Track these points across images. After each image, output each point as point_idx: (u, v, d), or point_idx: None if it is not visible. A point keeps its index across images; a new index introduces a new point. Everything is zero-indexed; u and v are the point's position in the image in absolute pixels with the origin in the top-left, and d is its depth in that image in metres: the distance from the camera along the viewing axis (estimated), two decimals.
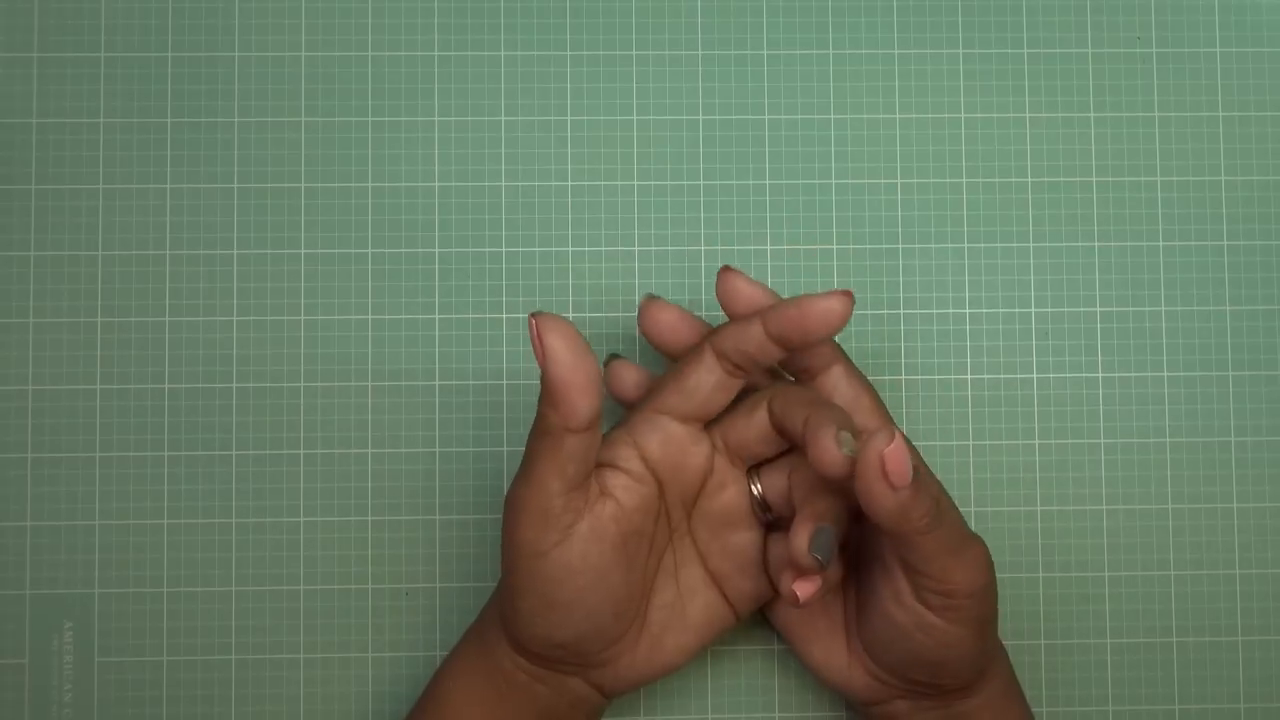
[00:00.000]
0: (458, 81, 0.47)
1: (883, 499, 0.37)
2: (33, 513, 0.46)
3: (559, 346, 0.37)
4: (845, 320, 0.39)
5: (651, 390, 0.42)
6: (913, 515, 0.37)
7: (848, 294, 0.39)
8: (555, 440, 0.38)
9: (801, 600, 0.39)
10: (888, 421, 0.42)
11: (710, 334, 0.41)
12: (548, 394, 0.38)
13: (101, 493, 0.46)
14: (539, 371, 0.38)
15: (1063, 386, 0.47)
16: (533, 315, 0.38)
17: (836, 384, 0.42)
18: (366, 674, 0.46)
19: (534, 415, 0.39)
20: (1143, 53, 0.48)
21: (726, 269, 0.42)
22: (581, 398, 0.38)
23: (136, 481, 0.46)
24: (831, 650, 0.43)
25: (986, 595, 0.39)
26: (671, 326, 0.43)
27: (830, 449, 0.37)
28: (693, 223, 0.47)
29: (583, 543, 0.39)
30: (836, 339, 0.46)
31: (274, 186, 0.47)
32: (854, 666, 0.42)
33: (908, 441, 0.40)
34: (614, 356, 0.45)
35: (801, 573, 0.39)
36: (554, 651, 0.41)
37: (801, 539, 0.39)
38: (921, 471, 0.38)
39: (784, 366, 0.43)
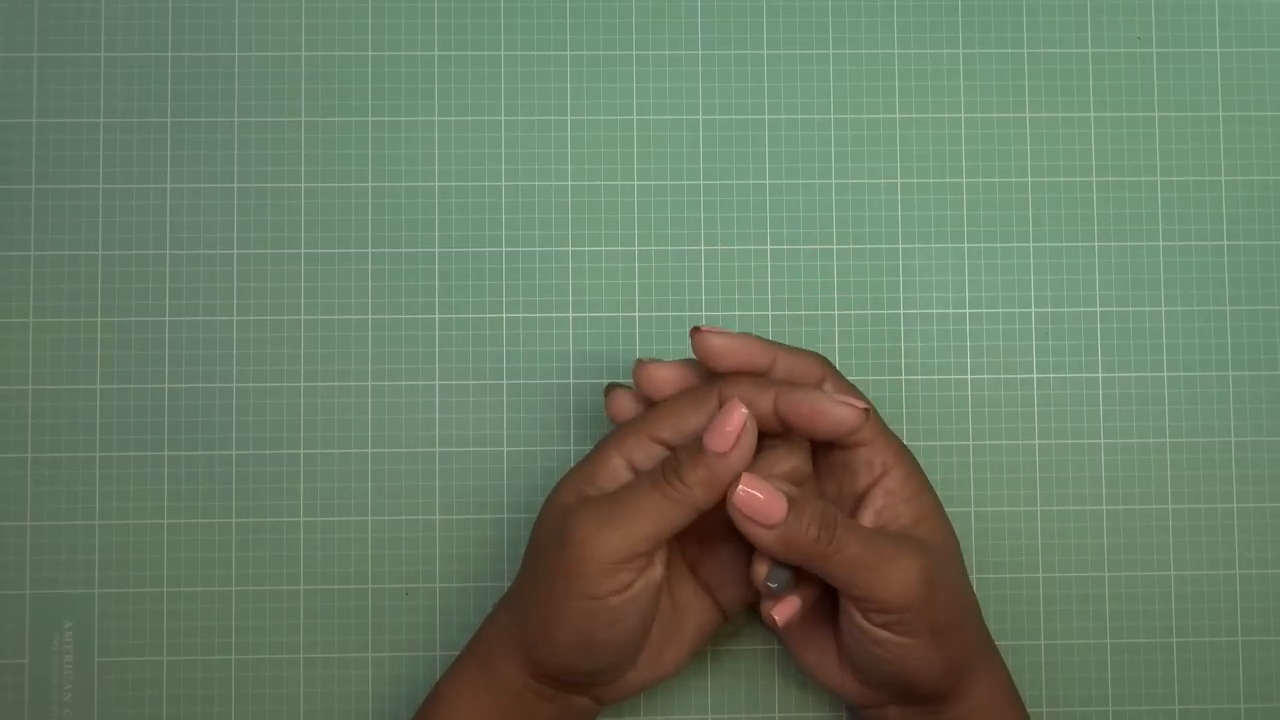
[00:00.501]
0: (458, 81, 0.47)
1: (760, 537, 0.39)
2: (33, 513, 0.46)
3: (749, 444, 0.39)
4: (855, 433, 0.40)
5: (651, 416, 0.41)
6: (799, 543, 0.39)
7: (864, 411, 0.40)
8: (681, 511, 0.39)
9: (780, 624, 0.41)
10: (879, 432, 0.42)
11: (723, 382, 0.41)
12: (713, 477, 0.39)
13: (101, 493, 0.46)
14: (709, 451, 0.39)
15: (1063, 386, 0.47)
16: (743, 406, 0.39)
17: None
18: (366, 674, 0.46)
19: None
20: (1143, 53, 0.48)
21: (696, 330, 0.41)
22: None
23: (136, 481, 0.46)
24: (824, 657, 0.43)
25: (930, 604, 0.40)
26: (666, 381, 0.43)
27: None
28: (693, 223, 0.47)
29: (639, 591, 0.40)
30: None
31: (274, 186, 0.47)
32: (845, 673, 0.43)
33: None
34: (614, 385, 0.44)
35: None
36: (576, 677, 0.41)
37: (760, 569, 0.41)
38: (801, 500, 0.39)
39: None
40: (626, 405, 0.43)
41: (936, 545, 0.41)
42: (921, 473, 0.42)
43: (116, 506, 0.46)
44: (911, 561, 0.39)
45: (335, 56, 0.47)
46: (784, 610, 0.41)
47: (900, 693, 0.42)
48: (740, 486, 0.39)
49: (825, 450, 0.42)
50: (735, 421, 0.39)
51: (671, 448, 0.41)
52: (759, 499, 0.39)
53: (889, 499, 0.42)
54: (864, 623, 0.40)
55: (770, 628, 0.44)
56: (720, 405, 0.40)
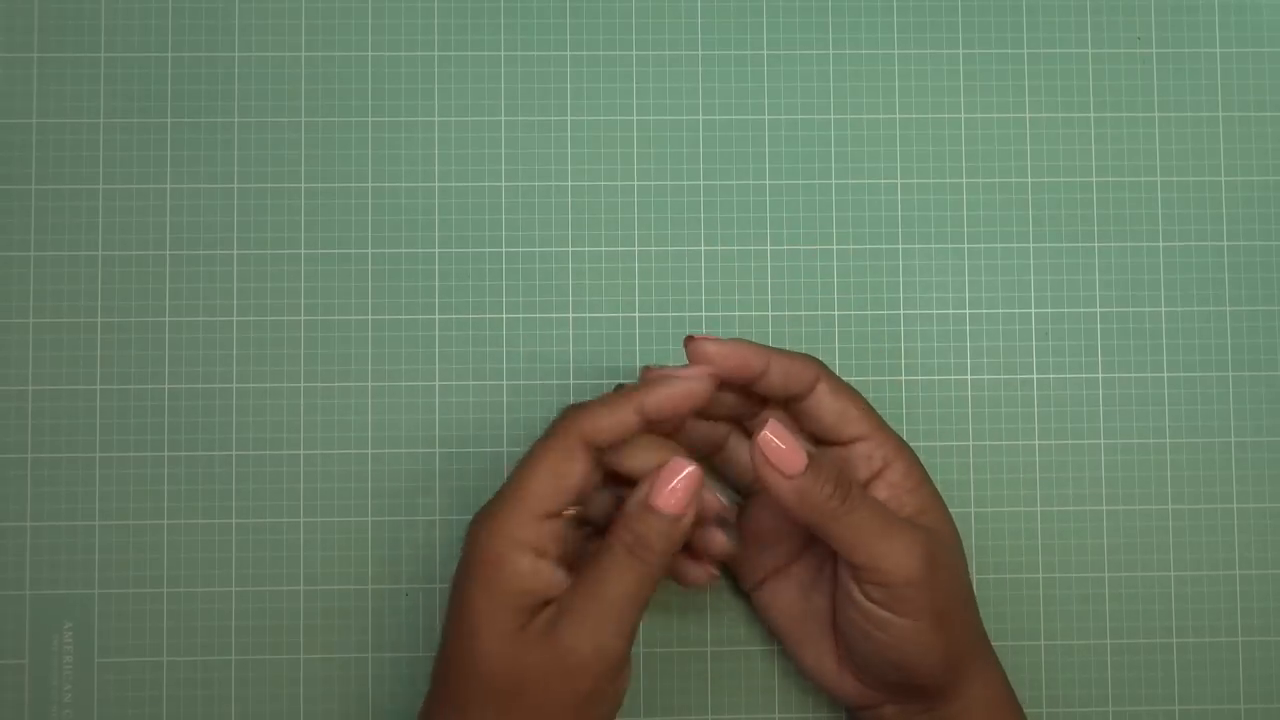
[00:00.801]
0: (458, 81, 0.47)
1: (777, 485, 0.39)
2: (33, 513, 0.46)
3: (700, 494, 0.39)
4: (709, 394, 0.40)
5: (524, 493, 0.39)
6: (812, 498, 0.39)
7: (708, 374, 0.40)
8: (656, 579, 0.39)
9: (725, 556, 0.42)
10: (878, 428, 0.42)
11: (574, 419, 0.40)
12: (677, 538, 0.39)
13: (101, 493, 0.46)
14: (665, 513, 0.39)
15: (1063, 386, 0.47)
16: (687, 462, 0.39)
17: (821, 402, 0.42)
18: (366, 674, 0.46)
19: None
20: (1143, 53, 0.48)
21: (690, 339, 0.41)
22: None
23: (136, 481, 0.46)
24: (822, 655, 0.43)
25: (932, 585, 0.40)
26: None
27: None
28: (693, 223, 0.47)
29: (627, 674, 0.40)
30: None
31: (274, 186, 0.47)
32: (843, 672, 0.43)
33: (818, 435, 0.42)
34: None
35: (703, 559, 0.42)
36: None
37: (718, 535, 0.42)
38: (820, 458, 0.40)
39: (766, 394, 0.42)
40: None
41: (940, 534, 0.42)
42: (921, 466, 0.43)
43: (116, 506, 0.46)
44: (916, 539, 0.40)
45: (335, 56, 0.47)
46: (711, 566, 0.42)
47: (898, 686, 0.42)
48: (766, 431, 0.39)
49: (824, 446, 0.43)
50: (688, 481, 0.39)
51: (564, 516, 0.40)
52: (782, 448, 0.39)
53: (893, 491, 0.42)
54: (863, 600, 0.40)
55: (771, 620, 0.44)
56: (581, 444, 0.39)
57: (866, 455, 0.42)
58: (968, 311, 0.47)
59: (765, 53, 0.48)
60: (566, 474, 0.39)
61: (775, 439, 0.39)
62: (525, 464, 0.40)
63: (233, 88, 0.47)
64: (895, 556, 0.40)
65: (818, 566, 0.44)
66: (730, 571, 0.46)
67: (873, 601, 0.40)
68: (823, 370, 0.42)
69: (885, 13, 0.48)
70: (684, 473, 0.39)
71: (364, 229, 0.47)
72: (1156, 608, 0.47)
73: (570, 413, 0.40)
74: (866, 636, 0.41)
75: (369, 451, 0.46)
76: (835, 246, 0.47)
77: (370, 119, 0.47)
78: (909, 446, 0.43)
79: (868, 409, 0.42)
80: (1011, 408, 0.47)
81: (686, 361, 0.42)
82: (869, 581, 0.40)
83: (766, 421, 0.39)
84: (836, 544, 0.40)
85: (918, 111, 0.48)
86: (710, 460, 0.46)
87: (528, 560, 0.39)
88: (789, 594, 0.44)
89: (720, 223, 0.47)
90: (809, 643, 0.44)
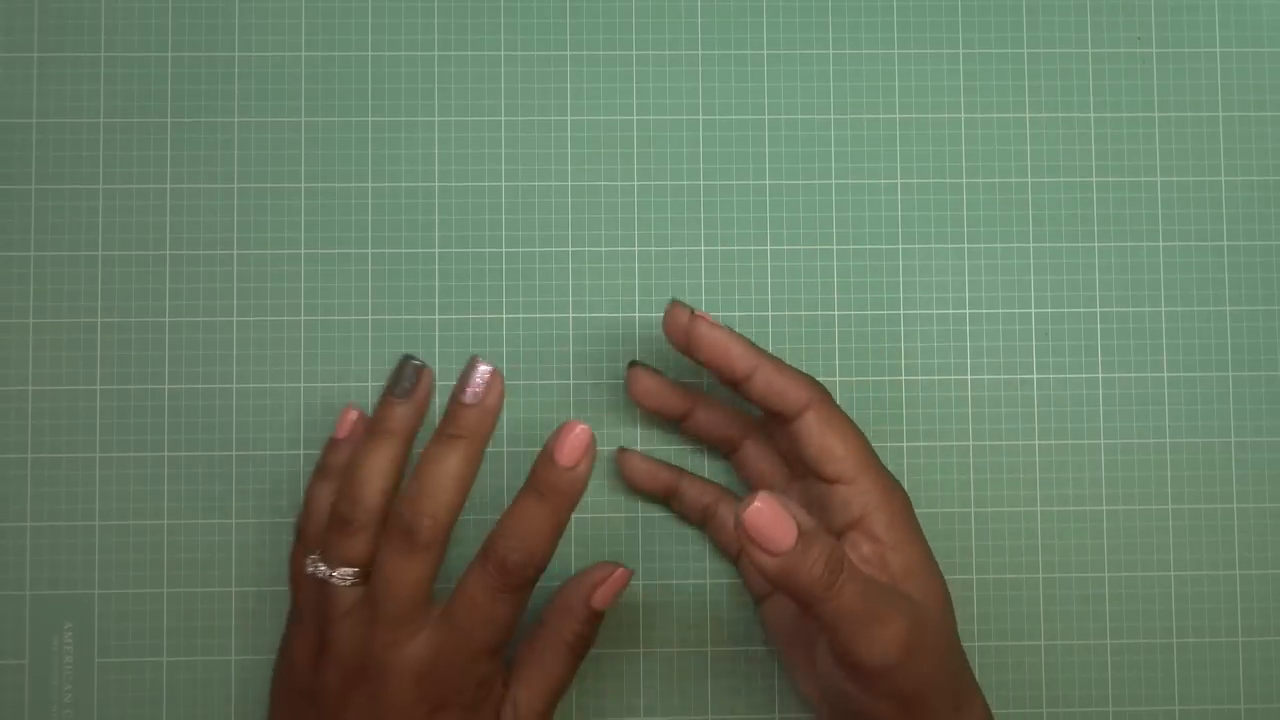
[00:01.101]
0: (458, 81, 0.47)
1: (761, 563, 0.36)
2: (33, 513, 0.46)
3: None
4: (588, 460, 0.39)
5: (492, 643, 0.40)
6: (798, 577, 0.36)
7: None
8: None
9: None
10: (863, 471, 0.41)
11: (522, 573, 0.39)
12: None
13: (101, 493, 0.46)
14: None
15: (1063, 386, 0.47)
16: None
17: (808, 431, 0.41)
18: None
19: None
20: (1143, 53, 0.48)
21: (692, 313, 0.41)
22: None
23: (136, 481, 0.46)
24: (808, 681, 0.43)
25: (906, 672, 0.37)
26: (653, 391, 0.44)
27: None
28: (693, 223, 0.47)
29: None
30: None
31: (274, 186, 0.47)
32: (823, 704, 0.42)
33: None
34: (634, 363, 0.45)
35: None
36: None
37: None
38: (812, 533, 0.36)
39: (749, 400, 0.42)
40: (648, 384, 0.44)
41: (928, 605, 0.40)
42: (911, 519, 0.41)
43: (116, 506, 0.46)
44: (899, 625, 0.37)
45: (335, 56, 0.47)
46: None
47: None
48: (755, 503, 0.36)
49: (810, 482, 0.42)
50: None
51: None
52: (768, 521, 0.36)
53: (875, 546, 0.40)
54: (836, 666, 0.39)
55: (769, 632, 0.44)
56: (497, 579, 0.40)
57: (844, 500, 0.40)
58: (968, 311, 0.47)
59: (765, 53, 0.48)
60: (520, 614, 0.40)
61: (763, 507, 0.36)
62: (489, 622, 0.39)
63: (233, 88, 0.47)
64: (873, 647, 0.37)
65: None
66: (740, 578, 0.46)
67: (845, 675, 0.38)
68: (816, 398, 0.41)
69: (885, 13, 0.48)
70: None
71: (364, 229, 0.47)
72: (1156, 608, 0.47)
73: (513, 568, 0.39)
74: (840, 693, 0.39)
75: None
76: (835, 246, 0.47)
77: (370, 119, 0.47)
78: (901, 494, 0.41)
79: (857, 449, 0.41)
80: (1011, 408, 0.47)
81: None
82: (843, 662, 0.38)
83: (757, 495, 0.36)
84: (817, 620, 0.37)
85: (918, 111, 0.48)
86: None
87: (498, 680, 0.41)
88: (785, 614, 0.44)
89: (720, 222, 0.47)
90: (796, 666, 0.43)
